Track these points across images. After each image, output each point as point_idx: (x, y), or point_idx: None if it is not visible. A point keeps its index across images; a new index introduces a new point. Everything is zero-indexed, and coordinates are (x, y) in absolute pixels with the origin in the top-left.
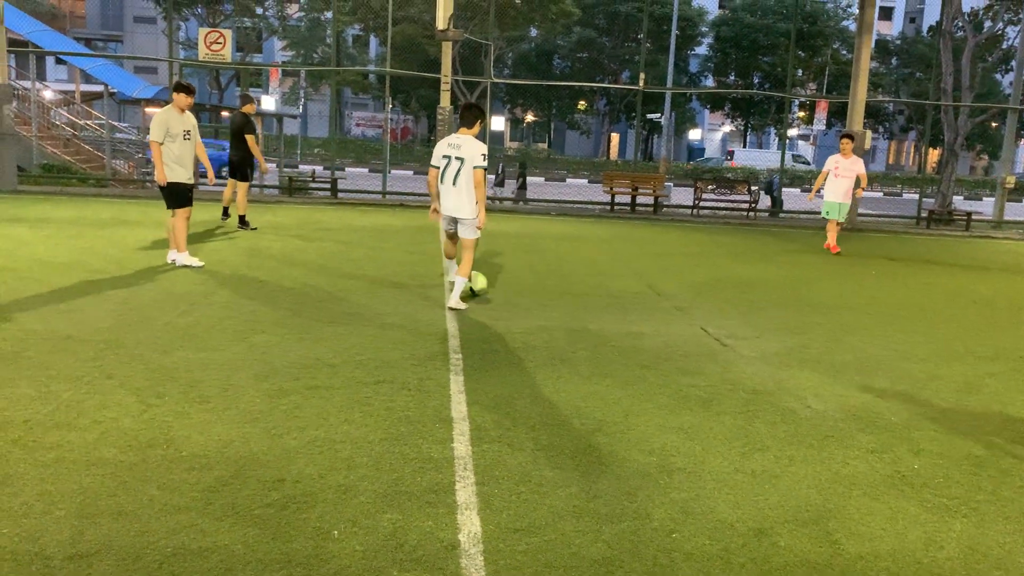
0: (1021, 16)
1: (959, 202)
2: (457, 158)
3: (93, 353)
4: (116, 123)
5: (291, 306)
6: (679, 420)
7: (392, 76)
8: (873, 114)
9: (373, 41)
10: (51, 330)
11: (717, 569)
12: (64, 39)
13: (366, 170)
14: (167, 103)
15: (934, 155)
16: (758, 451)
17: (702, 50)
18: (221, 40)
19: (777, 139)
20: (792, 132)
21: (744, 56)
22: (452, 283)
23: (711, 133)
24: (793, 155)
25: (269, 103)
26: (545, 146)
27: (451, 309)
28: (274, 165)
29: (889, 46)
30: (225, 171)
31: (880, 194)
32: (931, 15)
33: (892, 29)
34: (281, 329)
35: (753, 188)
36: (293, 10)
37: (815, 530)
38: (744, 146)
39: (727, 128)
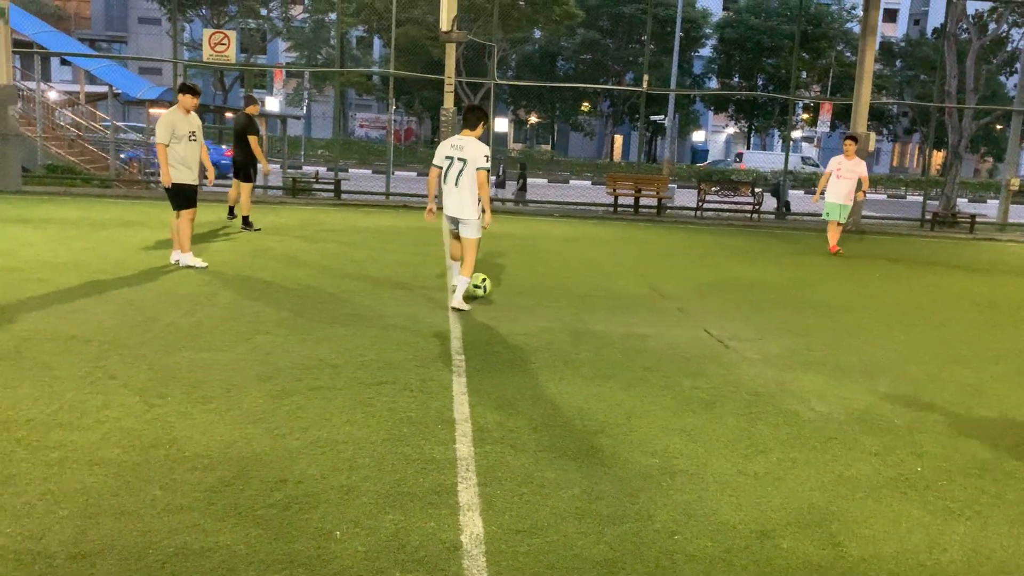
0: None
1: (963, 204)
2: (460, 159)
3: (96, 353)
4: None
5: (294, 307)
6: (682, 422)
7: (396, 78)
8: (877, 116)
9: (377, 43)
10: (54, 330)
11: (719, 571)
12: (69, 40)
13: (369, 171)
14: (171, 104)
15: (938, 157)
16: (761, 453)
17: (706, 52)
18: (225, 41)
19: (781, 141)
20: (796, 134)
21: (748, 58)
22: (455, 286)
23: (715, 135)
24: (802, 157)
25: (273, 104)
26: (548, 148)
27: (454, 309)
28: (277, 166)
29: (893, 48)
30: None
31: (884, 196)
32: (935, 17)
33: (896, 31)
34: (284, 330)
35: (757, 190)
36: (297, 11)
37: (818, 532)
38: (748, 147)
39: (731, 130)
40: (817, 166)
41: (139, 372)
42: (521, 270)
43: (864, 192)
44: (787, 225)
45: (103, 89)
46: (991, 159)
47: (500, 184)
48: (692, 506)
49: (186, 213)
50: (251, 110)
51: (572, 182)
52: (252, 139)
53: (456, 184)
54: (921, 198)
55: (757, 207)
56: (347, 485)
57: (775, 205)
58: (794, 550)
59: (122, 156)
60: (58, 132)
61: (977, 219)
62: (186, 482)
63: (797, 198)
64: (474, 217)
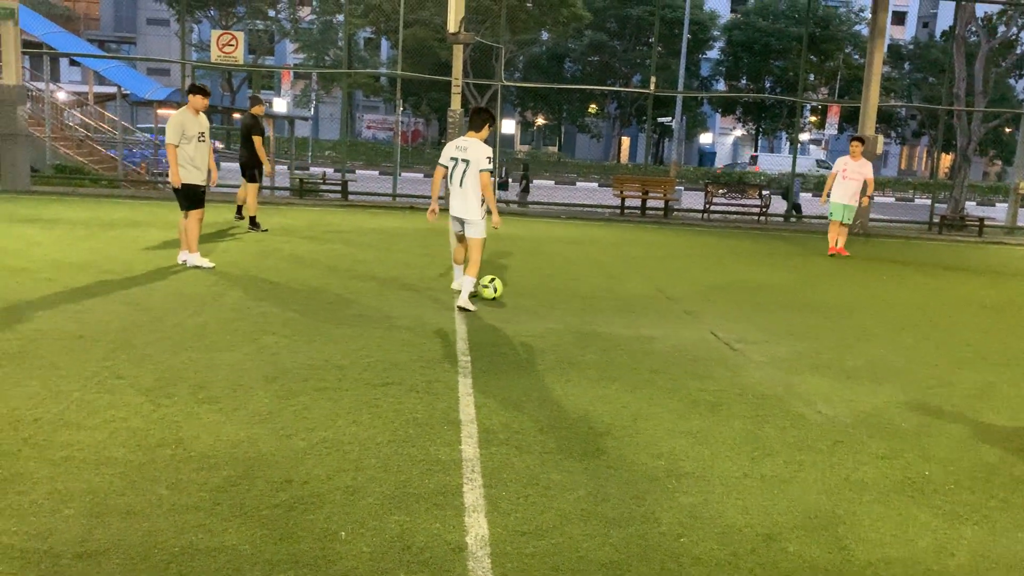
0: None
1: (972, 208)
2: (463, 160)
3: (103, 353)
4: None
5: (300, 307)
6: (688, 424)
7: (403, 79)
8: (885, 119)
9: (384, 44)
10: (62, 330)
11: (725, 574)
12: (78, 41)
13: (376, 172)
14: (179, 105)
15: (946, 160)
16: (767, 456)
17: (714, 54)
18: (233, 42)
19: (788, 143)
20: (804, 137)
21: (756, 60)
22: (458, 290)
23: (722, 137)
24: (816, 160)
25: (281, 105)
26: (555, 149)
27: (460, 309)
28: (285, 167)
29: (902, 51)
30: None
31: (892, 199)
32: (944, 20)
33: (905, 34)
34: (290, 330)
35: (765, 192)
36: (305, 13)
37: (825, 536)
38: (756, 150)
39: (738, 132)
40: (830, 168)
41: (146, 372)
42: (527, 271)
43: (870, 197)
44: (794, 227)
45: (112, 90)
46: (1000, 162)
47: (503, 186)
48: (698, 509)
49: (194, 213)
50: (257, 110)
51: (579, 184)
52: (256, 139)
53: (460, 185)
54: (929, 201)
55: (764, 209)
56: (352, 486)
57: (784, 208)
58: (801, 553)
59: (134, 158)
60: (67, 132)
61: (986, 222)
62: (192, 482)
63: (809, 201)
64: (478, 217)
